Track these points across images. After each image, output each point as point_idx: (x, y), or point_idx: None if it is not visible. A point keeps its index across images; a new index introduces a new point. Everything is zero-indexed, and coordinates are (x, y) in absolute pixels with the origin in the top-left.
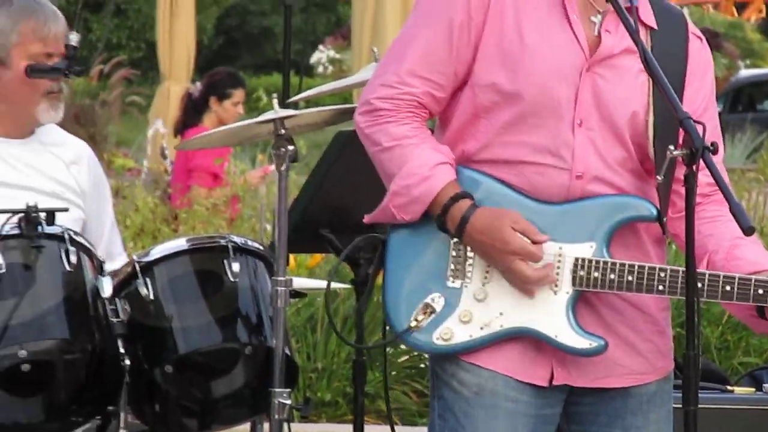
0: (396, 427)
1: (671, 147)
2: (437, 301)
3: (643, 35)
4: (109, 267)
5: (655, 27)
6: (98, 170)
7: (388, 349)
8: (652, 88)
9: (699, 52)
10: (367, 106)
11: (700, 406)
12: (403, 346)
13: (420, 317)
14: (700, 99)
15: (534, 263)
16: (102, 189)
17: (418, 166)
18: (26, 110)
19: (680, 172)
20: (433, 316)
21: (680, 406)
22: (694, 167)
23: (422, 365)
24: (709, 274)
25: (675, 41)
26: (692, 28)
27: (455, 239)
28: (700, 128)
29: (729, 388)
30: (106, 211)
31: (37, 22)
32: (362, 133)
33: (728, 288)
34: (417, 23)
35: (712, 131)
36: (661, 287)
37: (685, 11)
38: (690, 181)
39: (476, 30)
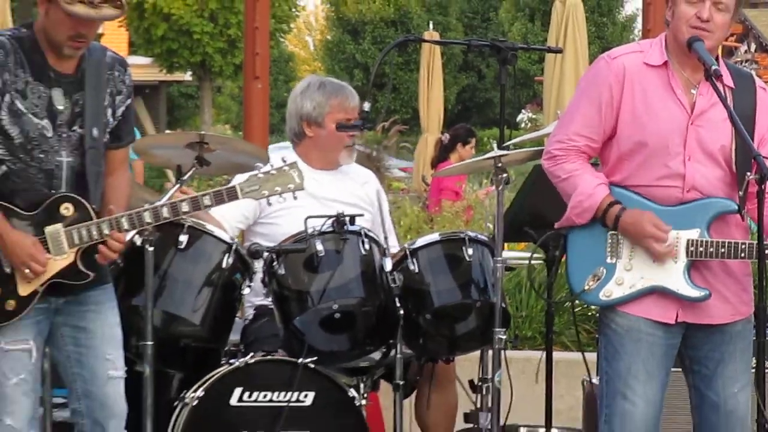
0: (572, 353)
1: (749, 173)
2: (601, 272)
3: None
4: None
5: (734, 86)
6: (379, 187)
7: (567, 304)
8: (734, 131)
9: (764, 98)
10: (548, 154)
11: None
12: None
13: (590, 283)
14: (766, 127)
15: (662, 244)
16: (382, 199)
17: (585, 187)
18: (333, 156)
19: (754, 186)
20: (598, 281)
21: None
22: (764, 186)
23: (589, 314)
24: None
25: (747, 94)
26: (759, 83)
27: (611, 231)
28: (767, 161)
29: None
30: (385, 214)
31: (342, 99)
32: (547, 170)
33: None
34: (579, 100)
35: None
36: (743, 255)
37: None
38: (760, 195)
39: (616, 104)
